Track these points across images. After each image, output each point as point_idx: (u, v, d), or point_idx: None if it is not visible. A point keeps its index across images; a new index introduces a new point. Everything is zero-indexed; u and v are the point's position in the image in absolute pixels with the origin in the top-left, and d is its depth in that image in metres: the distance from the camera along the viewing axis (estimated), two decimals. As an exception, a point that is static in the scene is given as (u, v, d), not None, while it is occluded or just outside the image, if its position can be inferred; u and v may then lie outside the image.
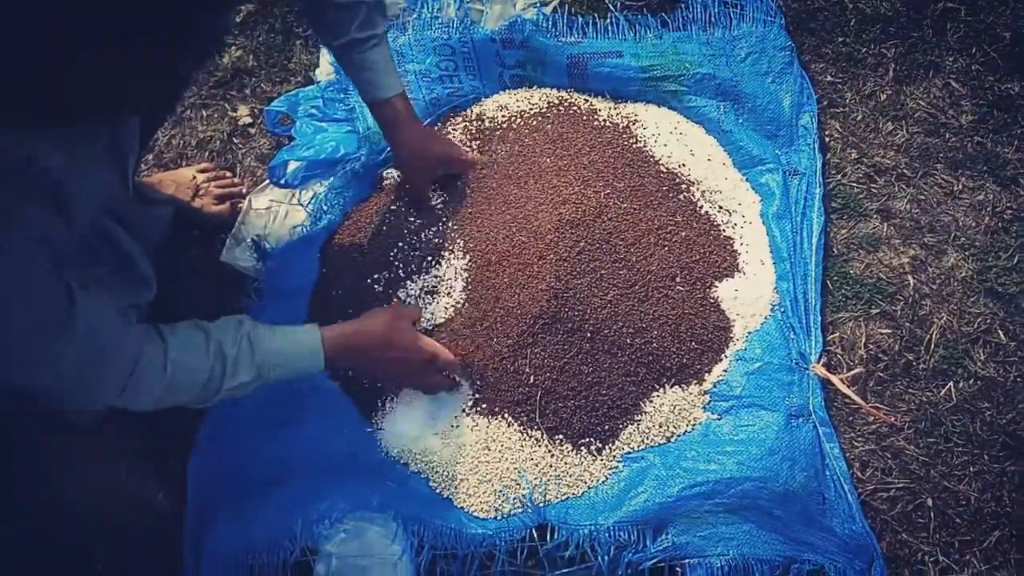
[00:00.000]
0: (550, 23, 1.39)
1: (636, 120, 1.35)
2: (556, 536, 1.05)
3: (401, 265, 1.22)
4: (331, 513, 1.00)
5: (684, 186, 1.29)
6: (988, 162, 1.34)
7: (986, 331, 1.21)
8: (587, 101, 1.37)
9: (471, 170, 1.27)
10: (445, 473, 1.12)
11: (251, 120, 1.44)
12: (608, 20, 1.43)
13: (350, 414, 1.16)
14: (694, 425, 1.15)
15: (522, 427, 1.13)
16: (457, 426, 1.13)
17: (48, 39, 0.52)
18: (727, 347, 1.19)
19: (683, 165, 1.31)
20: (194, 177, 1.31)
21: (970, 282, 1.25)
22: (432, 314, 1.17)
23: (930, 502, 1.12)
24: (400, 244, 1.23)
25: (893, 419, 1.15)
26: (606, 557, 1.03)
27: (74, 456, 1.08)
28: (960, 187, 1.33)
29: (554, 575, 1.04)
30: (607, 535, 1.05)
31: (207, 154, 1.41)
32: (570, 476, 1.11)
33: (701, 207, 1.28)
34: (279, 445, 1.13)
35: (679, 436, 1.14)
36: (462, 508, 1.10)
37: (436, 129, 1.32)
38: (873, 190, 1.33)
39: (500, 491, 1.10)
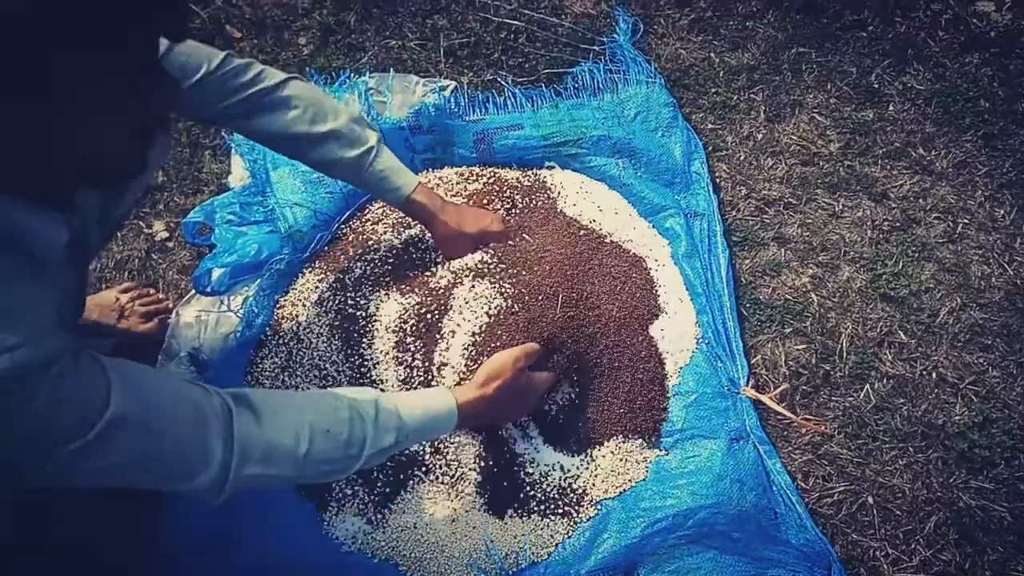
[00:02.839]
0: (452, 103, 1.47)
1: (544, 184, 1.43)
2: (533, 598, 1.06)
3: (339, 345, 1.23)
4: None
5: (599, 239, 1.37)
6: (860, 182, 1.49)
7: (888, 333, 1.33)
8: (495, 173, 1.45)
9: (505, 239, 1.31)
10: (413, 556, 1.11)
11: (168, 234, 1.44)
12: (506, 95, 1.53)
13: (300, 515, 1.15)
14: (645, 467, 1.20)
15: (485, 503, 1.15)
16: (422, 509, 1.14)
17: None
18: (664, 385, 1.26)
19: (594, 220, 1.40)
20: (117, 299, 1.29)
21: (866, 291, 1.37)
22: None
23: (870, 500, 1.19)
24: (332, 323, 1.25)
25: (823, 427, 1.23)
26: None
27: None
28: (840, 207, 1.47)
29: (537, 637, 1.05)
30: (583, 587, 1.07)
31: (127, 274, 1.40)
32: (537, 540, 1.13)
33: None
34: (237, 555, 1.10)
35: (632, 479, 1.18)
36: (436, 588, 1.10)
37: (464, 204, 1.35)
38: (766, 220, 1.45)
39: (470, 565, 1.11)
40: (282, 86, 1.06)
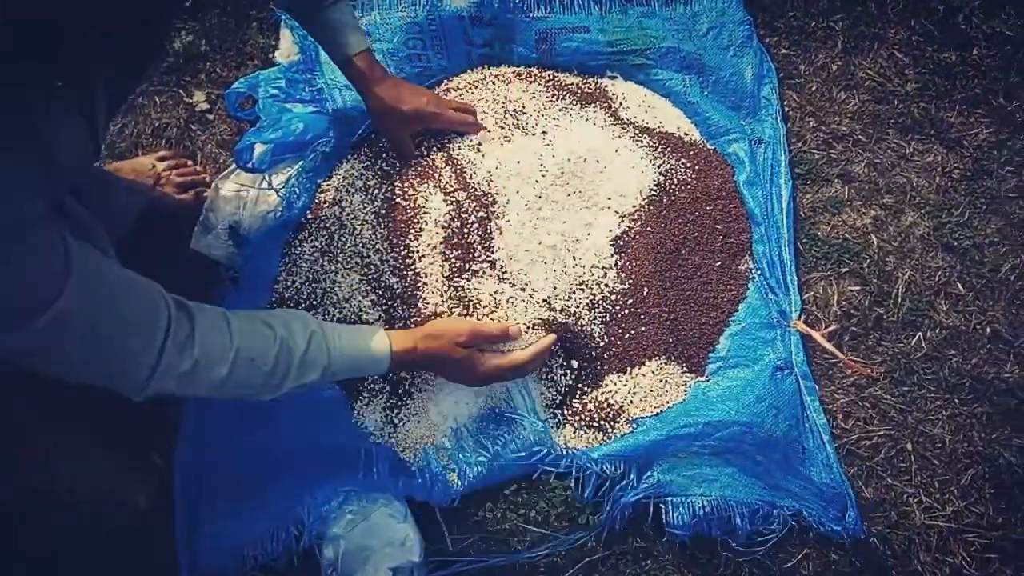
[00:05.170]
0: (517, -1, 1.38)
1: (605, 93, 1.36)
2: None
3: (385, 234, 1.18)
4: (335, 496, 0.97)
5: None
6: (934, 126, 1.42)
7: (946, 283, 1.28)
8: (554, 76, 1.38)
9: (458, 127, 1.23)
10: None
11: (208, 106, 1.38)
12: (572, -5, 1.44)
13: (334, 403, 1.13)
14: (685, 390, 1.17)
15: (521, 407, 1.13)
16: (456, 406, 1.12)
17: None
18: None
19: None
20: (153, 166, 1.24)
21: (927, 238, 1.32)
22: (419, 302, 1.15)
23: (909, 446, 1.17)
24: (378, 212, 1.20)
25: (870, 370, 1.20)
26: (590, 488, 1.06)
27: (50, 447, 1.00)
28: (911, 150, 1.40)
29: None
30: (595, 466, 1.07)
31: (163, 142, 1.34)
32: (568, 445, 1.12)
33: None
34: (265, 436, 1.09)
35: (671, 401, 1.16)
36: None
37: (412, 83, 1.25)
38: (832, 156, 1.39)
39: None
40: None
